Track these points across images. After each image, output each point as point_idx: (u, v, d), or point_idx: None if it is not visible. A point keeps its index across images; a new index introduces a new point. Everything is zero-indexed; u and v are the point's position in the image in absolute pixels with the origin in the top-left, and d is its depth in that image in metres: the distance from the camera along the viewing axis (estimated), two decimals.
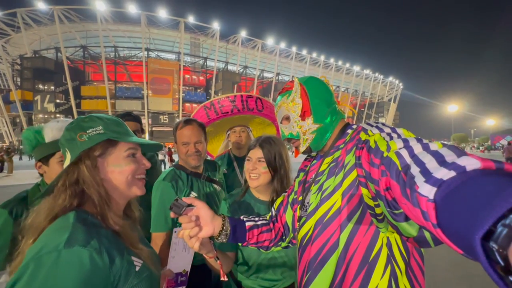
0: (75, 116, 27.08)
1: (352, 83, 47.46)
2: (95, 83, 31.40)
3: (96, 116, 0.68)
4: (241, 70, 36.80)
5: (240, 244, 0.85)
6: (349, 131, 0.77)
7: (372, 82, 49.23)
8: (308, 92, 0.82)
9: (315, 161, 0.86)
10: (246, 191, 1.15)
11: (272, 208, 0.96)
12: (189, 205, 0.74)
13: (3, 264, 0.93)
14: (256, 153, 1.06)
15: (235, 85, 32.99)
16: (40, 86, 28.80)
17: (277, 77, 38.77)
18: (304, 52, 39.38)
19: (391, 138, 0.59)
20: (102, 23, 27.77)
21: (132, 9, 27.67)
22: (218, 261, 0.85)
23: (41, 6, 26.05)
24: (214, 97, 1.67)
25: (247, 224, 0.86)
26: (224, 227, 0.79)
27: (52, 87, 28.83)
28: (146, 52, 30.34)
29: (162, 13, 28.83)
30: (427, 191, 0.36)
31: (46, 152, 1.03)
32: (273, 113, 1.96)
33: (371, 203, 0.61)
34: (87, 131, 0.64)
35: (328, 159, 0.78)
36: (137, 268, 0.61)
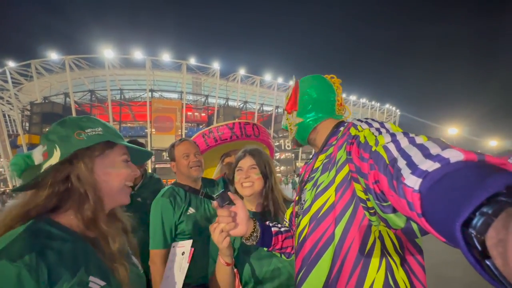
0: None
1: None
2: None
3: (93, 117, 0.68)
4: (241, 105, 37.96)
5: (265, 249, 0.87)
6: (342, 128, 0.80)
7: (369, 110, 50.26)
8: (300, 88, 0.88)
9: (311, 160, 0.89)
10: None
11: (285, 219, 0.98)
12: (230, 202, 0.77)
13: None
14: (247, 161, 1.08)
15: (236, 119, 33.70)
16: (47, 129, 29.68)
17: (276, 110, 39.84)
18: None
19: (380, 133, 0.60)
20: (110, 69, 29.60)
21: (138, 55, 29.66)
22: (235, 270, 0.85)
23: (54, 56, 28.05)
24: (202, 130, 1.73)
25: (272, 229, 0.89)
26: (255, 229, 0.83)
27: None
28: (150, 93, 31.70)
29: (166, 57, 30.76)
30: (413, 182, 0.37)
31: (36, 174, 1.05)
32: (268, 138, 2.04)
33: (363, 196, 0.62)
34: (86, 131, 0.63)
35: (321, 156, 0.80)
36: None
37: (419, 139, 0.47)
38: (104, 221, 0.62)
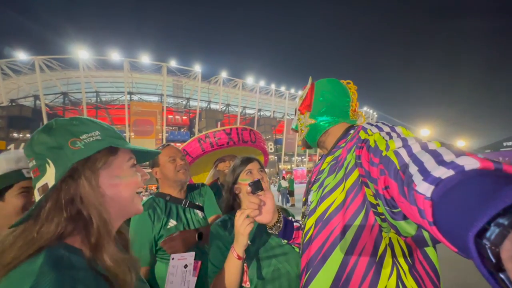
0: None
1: None
2: None
3: (85, 118, 0.56)
4: (224, 108, 37.77)
5: (285, 240, 0.92)
6: (352, 131, 0.79)
7: None
8: (315, 90, 0.89)
9: (318, 162, 0.88)
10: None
11: (300, 221, 0.99)
12: (261, 191, 0.83)
13: None
14: (256, 165, 1.11)
15: (218, 123, 33.46)
16: (15, 134, 27.44)
17: (259, 113, 40.04)
18: (283, 88, 41.51)
19: (391, 137, 0.59)
20: (84, 70, 28.18)
21: (115, 56, 28.56)
22: (245, 264, 0.87)
23: (23, 56, 26.25)
24: (198, 135, 1.69)
25: (294, 224, 0.93)
26: (279, 220, 0.88)
27: (28, 135, 27.67)
28: (128, 96, 30.62)
29: (145, 58, 29.91)
30: (425, 189, 0.36)
31: (1, 186, 0.90)
32: (264, 144, 2.04)
33: (374, 201, 0.61)
34: (81, 137, 0.52)
35: (329, 158, 0.80)
36: None
37: (432, 145, 0.45)
38: (109, 254, 0.51)
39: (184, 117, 35.42)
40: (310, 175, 0.92)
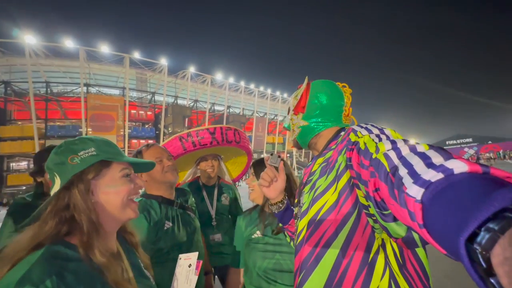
0: None
1: None
2: (19, 123, 27.18)
3: (86, 138, 0.67)
4: (192, 104, 36.70)
5: (280, 224, 0.99)
6: (342, 133, 0.80)
7: None
8: (310, 91, 0.89)
9: (310, 163, 0.89)
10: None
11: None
12: (277, 167, 0.90)
13: None
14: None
15: (186, 119, 32.44)
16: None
17: (228, 110, 39.70)
18: (252, 86, 41.65)
19: (380, 139, 0.59)
20: (32, 58, 25.05)
21: (69, 43, 25.87)
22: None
23: None
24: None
25: (294, 212, 0.96)
26: (282, 202, 0.95)
27: None
28: (85, 88, 28.02)
29: (105, 48, 27.59)
30: (415, 192, 0.36)
31: None
32: (248, 144, 1.99)
33: (365, 202, 0.62)
34: (79, 154, 0.63)
35: (320, 160, 0.81)
36: None
37: (420, 147, 0.46)
38: (100, 251, 0.60)
39: (149, 113, 33.63)
40: (301, 176, 0.92)
